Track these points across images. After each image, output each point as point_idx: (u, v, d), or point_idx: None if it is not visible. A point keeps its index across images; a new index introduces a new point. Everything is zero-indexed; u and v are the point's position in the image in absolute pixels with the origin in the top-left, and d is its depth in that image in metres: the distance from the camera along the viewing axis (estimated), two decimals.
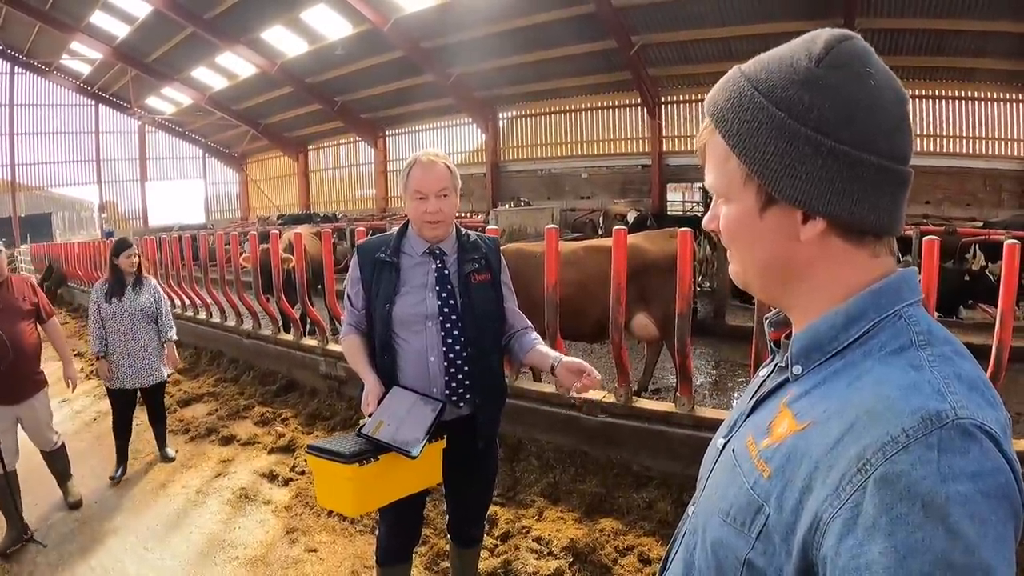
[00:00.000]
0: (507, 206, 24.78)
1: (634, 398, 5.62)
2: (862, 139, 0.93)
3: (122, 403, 6.24)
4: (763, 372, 1.18)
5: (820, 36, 0.97)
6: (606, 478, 5.22)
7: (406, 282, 3.04)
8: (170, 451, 6.52)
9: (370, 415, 2.80)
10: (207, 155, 47.42)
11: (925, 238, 4.62)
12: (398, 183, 24.41)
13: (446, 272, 3.06)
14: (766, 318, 1.22)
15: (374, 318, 3.07)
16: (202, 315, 10.72)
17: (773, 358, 1.17)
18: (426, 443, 2.74)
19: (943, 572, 0.74)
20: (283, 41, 28.60)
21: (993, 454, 0.80)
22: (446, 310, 3.02)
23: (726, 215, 1.07)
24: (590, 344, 8.19)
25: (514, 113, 29.91)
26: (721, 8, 19.42)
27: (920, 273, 4.15)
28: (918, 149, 20.18)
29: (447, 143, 32.96)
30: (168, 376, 6.51)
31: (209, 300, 10.46)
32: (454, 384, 3.03)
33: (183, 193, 47.57)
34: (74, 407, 8.55)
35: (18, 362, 4.98)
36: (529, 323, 3.30)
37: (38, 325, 5.39)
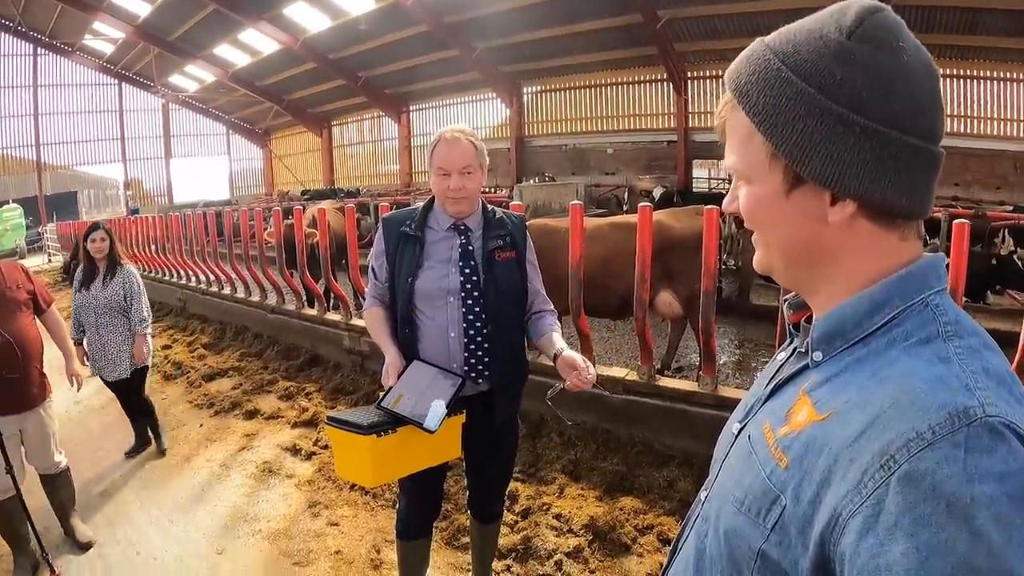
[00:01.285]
0: (532, 181, 24.74)
1: (657, 376, 5.59)
2: (895, 117, 0.90)
3: (113, 390, 6.16)
4: (781, 356, 1.15)
5: (850, 7, 0.93)
6: (627, 456, 5.23)
7: (429, 256, 3.03)
8: (164, 440, 6.31)
9: (390, 388, 2.81)
10: (231, 132, 47.78)
11: (955, 221, 4.46)
12: (422, 158, 24.97)
13: (470, 248, 3.04)
14: (785, 299, 1.19)
15: (396, 291, 3.07)
16: (227, 290, 10.82)
17: (791, 341, 1.16)
18: (445, 417, 2.75)
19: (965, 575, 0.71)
20: (306, 17, 28.52)
21: (1021, 455, 0.76)
22: (468, 286, 3.00)
23: (749, 196, 1.04)
24: (613, 321, 8.20)
25: (539, 88, 29.62)
26: None
27: (949, 257, 4.13)
28: (948, 130, 19.97)
29: (471, 118, 32.79)
30: (137, 368, 5.98)
31: (233, 275, 10.54)
32: (473, 360, 3.02)
33: (207, 170, 48.00)
34: (98, 382, 8.48)
35: (25, 365, 4.38)
36: (550, 305, 3.29)
37: (36, 317, 4.70)
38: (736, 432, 1.13)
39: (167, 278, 13.45)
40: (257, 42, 32.32)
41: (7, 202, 36.36)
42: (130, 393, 6.12)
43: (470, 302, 3.00)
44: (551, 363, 2.93)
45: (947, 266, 1.04)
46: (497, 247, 3.06)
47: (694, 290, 5.89)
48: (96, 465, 6.02)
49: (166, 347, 9.93)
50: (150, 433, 6.34)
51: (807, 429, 0.91)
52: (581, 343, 5.86)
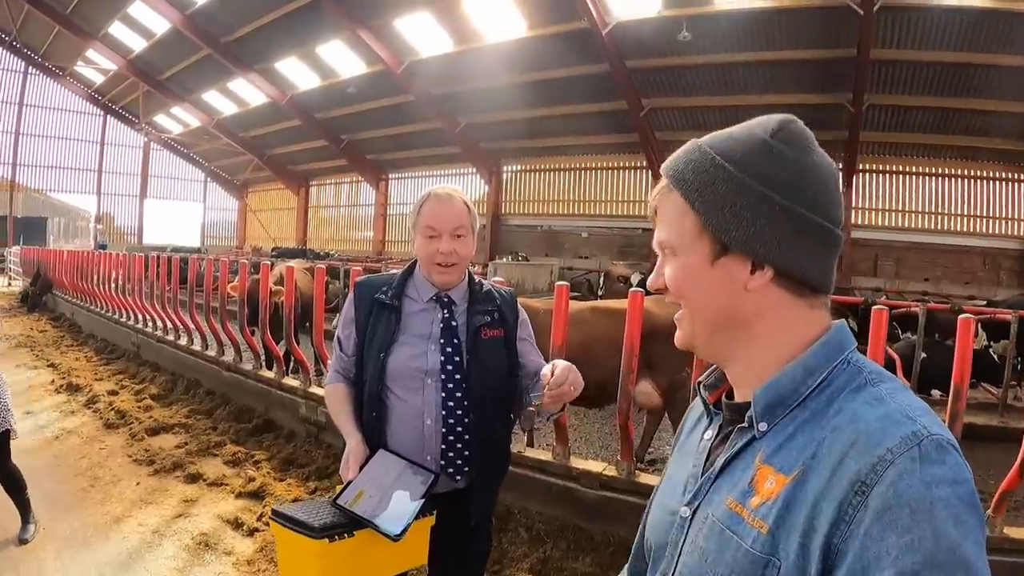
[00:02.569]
0: (506, 259, 24.61)
1: (637, 472, 5.30)
2: (808, 202, 1.05)
3: None
4: (707, 434, 1.20)
5: (772, 118, 1.10)
6: (602, 557, 4.83)
7: (406, 330, 2.66)
8: (29, 528, 5.11)
9: (349, 482, 2.39)
10: (209, 179, 47.42)
11: (961, 316, 4.46)
12: (396, 227, 24.69)
13: (454, 323, 2.68)
14: (699, 382, 1.27)
15: (365, 367, 2.69)
16: (183, 340, 10.28)
17: (710, 420, 1.22)
18: (412, 521, 2.33)
19: (930, 570, 0.80)
20: (296, 73, 28.69)
21: (963, 465, 0.88)
22: (449, 367, 2.63)
23: (677, 267, 1.13)
24: (588, 409, 7.89)
25: (519, 167, 29.87)
26: (731, 77, 19.62)
27: (955, 351, 4.38)
28: (920, 226, 21.12)
29: None
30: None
31: (192, 326, 10.00)
32: (451, 454, 2.62)
33: (181, 214, 47.41)
34: (38, 421, 8.14)
35: None
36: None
37: None
38: (688, 516, 1.14)
39: (124, 320, 12.90)
40: (245, 92, 32.35)
41: None
42: None
43: (451, 385, 2.62)
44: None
45: (854, 331, 1.30)
46: (484, 323, 2.70)
47: (675, 380, 5.83)
48: (17, 515, 5.34)
49: (112, 392, 9.31)
50: (31, 511, 5.25)
51: (782, 492, 0.96)
52: (557, 435, 5.53)
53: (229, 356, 9.04)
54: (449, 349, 2.62)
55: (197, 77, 32.50)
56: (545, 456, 5.56)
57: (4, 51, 39.75)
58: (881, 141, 20.23)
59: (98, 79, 39.91)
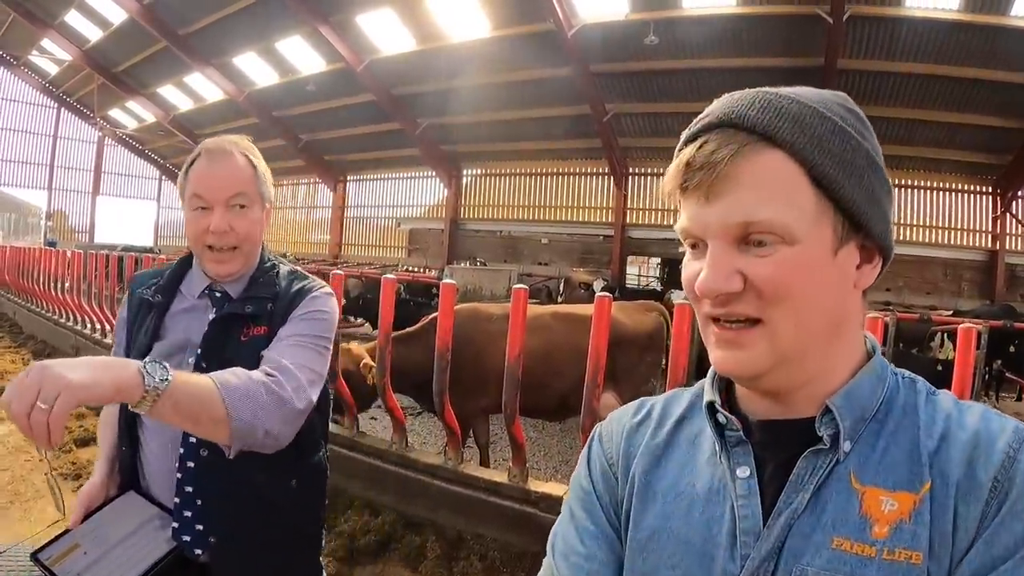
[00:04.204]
0: (464, 264, 24.27)
1: None
2: (890, 185, 0.95)
3: None
4: (740, 472, 0.94)
5: (839, 93, 0.95)
6: None
7: (166, 335, 1.93)
8: None
9: (67, 530, 1.76)
10: (164, 177, 46.14)
11: (962, 327, 4.02)
12: (354, 230, 24.20)
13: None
14: (712, 402, 1.00)
15: None
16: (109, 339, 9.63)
17: (727, 452, 0.97)
18: None
19: None
20: (254, 69, 28.03)
21: None
22: None
23: (789, 259, 0.86)
24: (549, 422, 7.41)
25: (479, 171, 29.57)
26: (698, 83, 19.43)
27: (956, 363, 3.95)
28: None
29: (408, 195, 32.65)
30: None
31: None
32: (188, 512, 1.85)
33: (134, 213, 46.17)
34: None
35: None
36: (279, 376, 1.81)
37: None
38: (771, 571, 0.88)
39: (64, 321, 12.18)
40: (202, 88, 31.54)
41: None
42: None
43: None
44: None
45: None
46: (242, 315, 1.92)
47: (640, 392, 5.17)
48: None
49: None
50: None
51: (917, 510, 0.84)
52: (514, 453, 5.02)
53: None
54: (204, 364, 1.86)
55: (153, 70, 31.61)
56: (500, 477, 5.08)
57: None
58: None
59: (52, 70, 38.70)
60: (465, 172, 29.87)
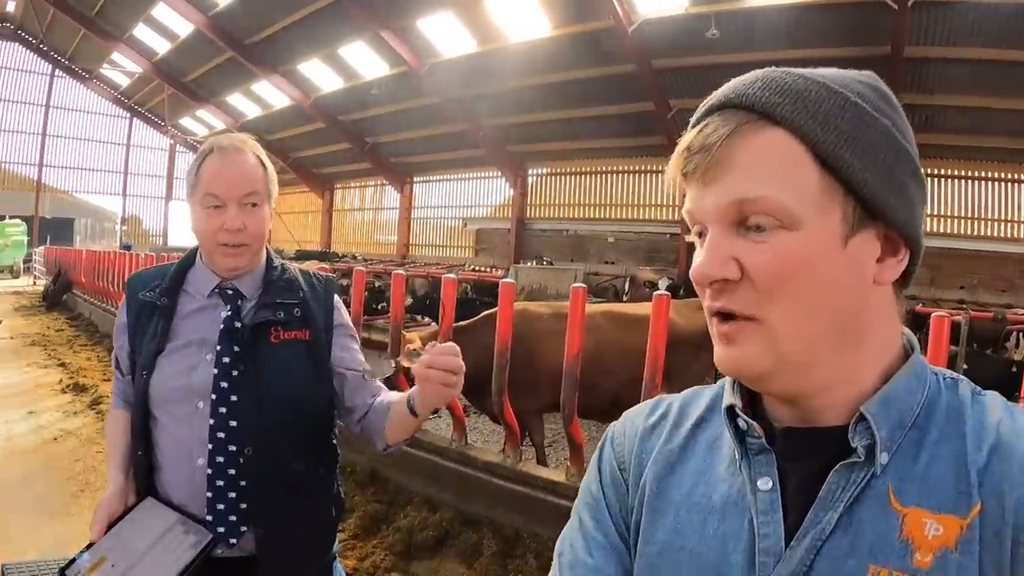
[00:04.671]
0: (530, 264, 24.47)
1: None
2: (922, 173, 0.86)
3: None
4: (762, 484, 0.85)
5: (862, 71, 0.88)
6: None
7: (178, 336, 1.98)
8: None
9: (90, 544, 1.78)
10: None
11: None
12: (421, 231, 24.54)
13: (238, 324, 1.99)
14: (732, 406, 0.91)
15: (134, 389, 2.01)
16: None
17: (747, 461, 0.88)
18: None
19: None
20: (319, 75, 28.71)
21: None
22: (224, 384, 1.93)
23: (787, 247, 0.79)
24: (600, 422, 7.63)
25: (544, 170, 29.67)
26: None
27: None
28: (954, 232, 20.41)
29: (475, 195, 33.00)
30: None
31: None
32: (221, 506, 1.91)
33: None
34: (39, 420, 8.17)
35: None
36: (383, 389, 2.17)
37: None
38: None
39: None
40: (269, 95, 32.54)
41: (4, 217, 36.83)
42: None
43: (223, 410, 1.92)
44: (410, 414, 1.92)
45: None
46: (276, 322, 2.00)
47: None
48: (1, 518, 5.40)
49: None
50: None
51: (965, 535, 0.74)
52: (572, 453, 5.20)
53: None
54: (227, 360, 1.95)
55: (221, 79, 32.80)
56: (558, 476, 5.17)
57: (31, 54, 40.84)
58: (918, 143, 19.25)
59: (124, 82, 40.63)
60: (530, 172, 29.96)
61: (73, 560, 1.74)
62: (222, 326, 1.97)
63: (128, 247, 32.68)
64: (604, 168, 27.56)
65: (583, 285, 5.14)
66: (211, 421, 1.90)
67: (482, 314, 6.56)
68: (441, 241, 34.90)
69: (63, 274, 20.78)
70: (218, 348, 1.94)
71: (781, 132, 0.80)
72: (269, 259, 2.12)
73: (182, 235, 45.20)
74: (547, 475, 5.23)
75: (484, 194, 32.66)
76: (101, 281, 15.72)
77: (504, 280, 5.58)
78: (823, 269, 0.79)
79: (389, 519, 5.44)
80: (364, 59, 26.10)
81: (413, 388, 1.89)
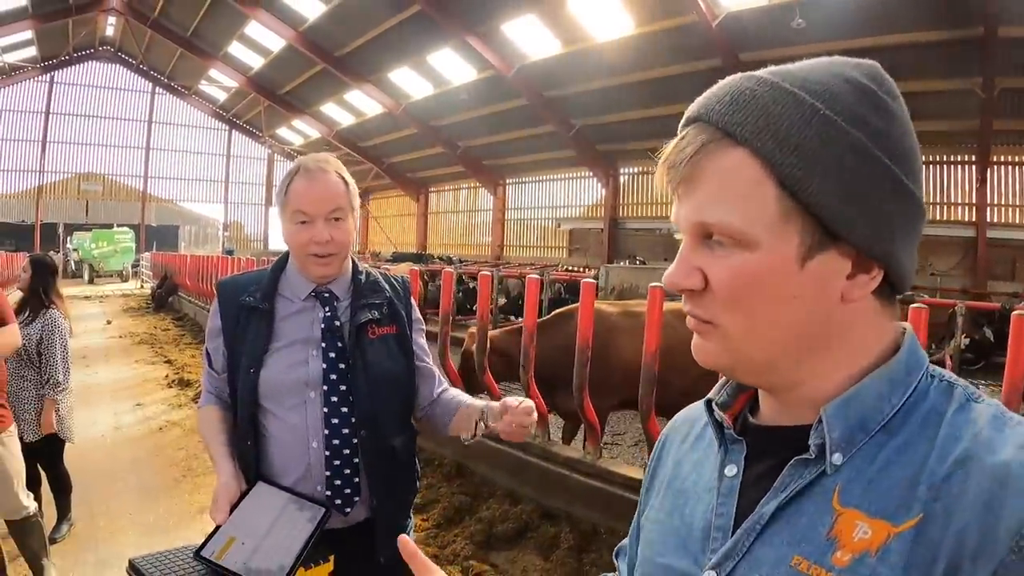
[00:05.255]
0: (623, 263, 24.60)
1: None
2: (915, 174, 0.82)
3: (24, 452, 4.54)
4: (728, 470, 0.92)
5: (863, 62, 0.86)
6: None
7: (281, 336, 2.27)
8: (62, 528, 5.37)
9: (217, 527, 1.95)
10: None
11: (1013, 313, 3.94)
12: (515, 232, 24.84)
13: (337, 323, 2.29)
14: (710, 400, 0.99)
15: (237, 385, 2.29)
16: None
17: (724, 451, 0.95)
18: (296, 570, 1.87)
19: None
20: (409, 82, 29.55)
21: None
22: (333, 376, 2.24)
23: (744, 266, 0.82)
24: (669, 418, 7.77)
25: (635, 169, 29.58)
26: None
27: None
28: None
29: (567, 196, 33.24)
30: (44, 436, 5.02)
31: None
32: (338, 481, 2.21)
33: None
34: (146, 412, 8.93)
35: None
36: (446, 384, 2.57)
37: None
38: (728, 571, 0.87)
39: None
40: (361, 103, 33.79)
41: (113, 225, 39.83)
42: (35, 461, 5.03)
43: (335, 398, 2.23)
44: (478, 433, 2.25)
45: None
46: (371, 320, 2.31)
47: None
48: (108, 500, 6.03)
49: None
50: (70, 513, 5.53)
51: (891, 544, 0.74)
52: (649, 446, 5.26)
53: None
54: (332, 354, 2.26)
55: (314, 90, 34.30)
56: (637, 474, 5.21)
57: (132, 73, 43.87)
58: (1018, 129, 18.45)
59: (221, 96, 42.99)
60: (621, 171, 29.99)
61: (204, 543, 1.88)
62: (323, 325, 2.27)
63: (230, 252, 34.32)
64: None
65: (660, 284, 4.86)
66: (324, 409, 2.21)
67: (553, 312, 6.78)
68: (535, 242, 35.25)
69: (169, 278, 22.14)
70: (323, 345, 2.25)
71: (742, 153, 0.81)
72: (355, 265, 2.41)
73: (282, 239, 47.28)
74: (626, 472, 5.31)
75: (576, 194, 32.87)
76: (205, 284, 16.80)
77: (585, 279, 5.71)
78: (777, 288, 0.81)
79: (472, 510, 5.67)
80: (452, 65, 26.75)
81: (490, 404, 2.26)
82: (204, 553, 1.84)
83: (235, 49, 33.99)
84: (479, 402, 2.37)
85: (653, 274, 19.47)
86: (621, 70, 22.14)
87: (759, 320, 0.83)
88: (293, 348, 2.25)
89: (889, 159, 0.79)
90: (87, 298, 26.42)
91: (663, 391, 5.69)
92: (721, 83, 0.89)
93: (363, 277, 2.39)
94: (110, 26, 39.20)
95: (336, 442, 2.21)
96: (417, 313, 2.52)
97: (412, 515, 2.54)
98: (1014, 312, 3.97)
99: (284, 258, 2.41)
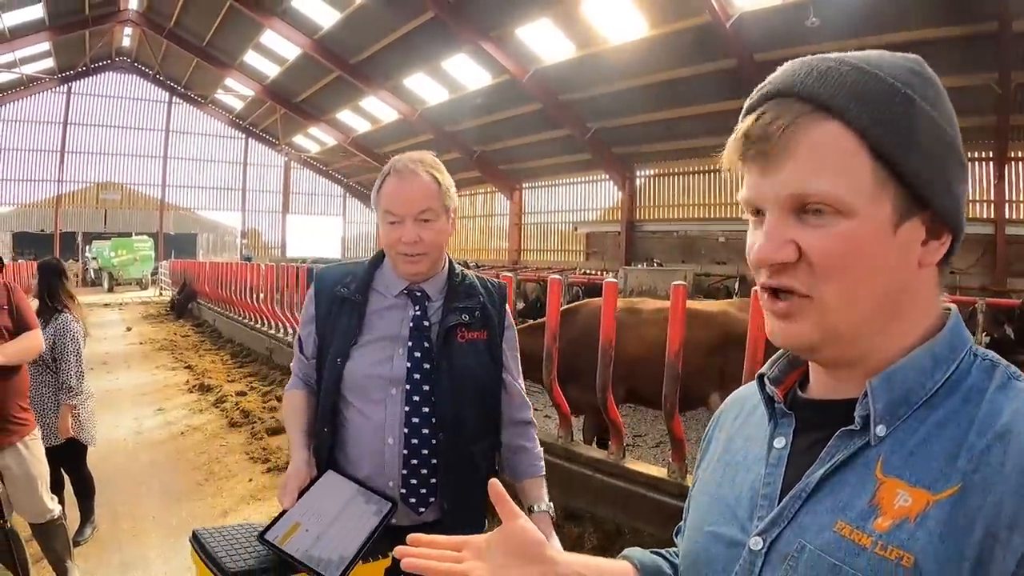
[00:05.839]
0: (641, 266, 24.59)
1: None
2: (963, 155, 0.90)
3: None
4: (776, 442, 0.97)
5: (908, 55, 0.91)
6: None
7: (370, 330, 2.30)
8: (86, 531, 5.33)
9: (284, 511, 1.98)
10: (347, 194, 50.28)
11: None
12: (532, 236, 24.94)
13: (426, 323, 2.30)
14: (763, 375, 1.04)
15: (323, 373, 2.34)
16: None
17: (774, 424, 1.00)
18: (356, 563, 1.86)
19: None
20: (424, 88, 29.65)
21: None
22: (417, 375, 2.25)
23: (846, 233, 0.85)
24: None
25: (652, 171, 29.56)
26: None
27: None
28: None
29: (583, 199, 33.27)
30: (65, 440, 5.00)
31: None
32: (414, 480, 2.23)
33: (322, 228, 50.46)
34: (167, 417, 9.00)
35: None
36: (529, 411, 2.53)
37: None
38: (763, 548, 0.91)
39: (258, 326, 13.98)
40: (377, 110, 34.01)
41: (132, 234, 40.13)
42: (58, 465, 5.04)
43: (417, 398, 2.24)
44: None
45: None
46: (460, 323, 2.32)
47: None
48: (131, 503, 6.07)
49: (240, 393, 10.17)
50: (93, 516, 5.49)
51: (930, 512, 0.77)
52: (673, 448, 5.27)
53: None
54: (418, 354, 2.27)
55: (330, 98, 34.55)
56: (660, 473, 5.24)
57: (149, 84, 44.06)
58: None
59: (238, 105, 43.17)
60: (638, 173, 29.94)
61: (269, 526, 1.90)
62: (411, 324, 2.29)
63: (248, 259, 34.50)
64: (711, 167, 26.88)
65: (683, 283, 5.22)
66: (406, 408, 2.23)
67: (563, 307, 6.73)
68: (552, 245, 35.41)
69: (188, 285, 22.33)
70: (409, 344, 2.27)
71: (836, 124, 0.84)
72: (451, 266, 2.43)
73: (299, 246, 47.60)
74: (649, 471, 5.29)
75: (593, 197, 32.91)
76: (224, 291, 16.92)
77: (607, 279, 5.76)
78: (875, 253, 0.84)
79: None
80: (467, 70, 26.84)
81: (542, 506, 2.35)
82: (268, 536, 1.86)
83: (251, 58, 34.21)
84: (543, 493, 2.40)
85: (671, 275, 19.53)
86: (636, 72, 22.11)
87: (859, 288, 0.86)
88: (381, 344, 2.28)
89: (956, 137, 0.87)
90: (107, 306, 26.57)
91: (650, 385, 5.84)
92: (793, 63, 0.91)
93: (459, 279, 2.41)
94: (126, 37, 39.40)
95: (415, 441, 2.23)
96: (510, 320, 2.53)
97: (488, 519, 2.41)
98: None
99: (382, 253, 2.42)
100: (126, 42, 40.62)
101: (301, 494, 2.02)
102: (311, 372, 2.41)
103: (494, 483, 1.09)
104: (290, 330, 12.01)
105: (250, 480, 6.75)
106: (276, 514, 1.95)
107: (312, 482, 2.08)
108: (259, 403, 9.61)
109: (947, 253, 0.90)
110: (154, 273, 37.23)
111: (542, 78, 24.78)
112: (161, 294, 31.73)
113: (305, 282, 11.32)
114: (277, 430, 8.23)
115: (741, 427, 1.10)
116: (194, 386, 10.76)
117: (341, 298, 2.33)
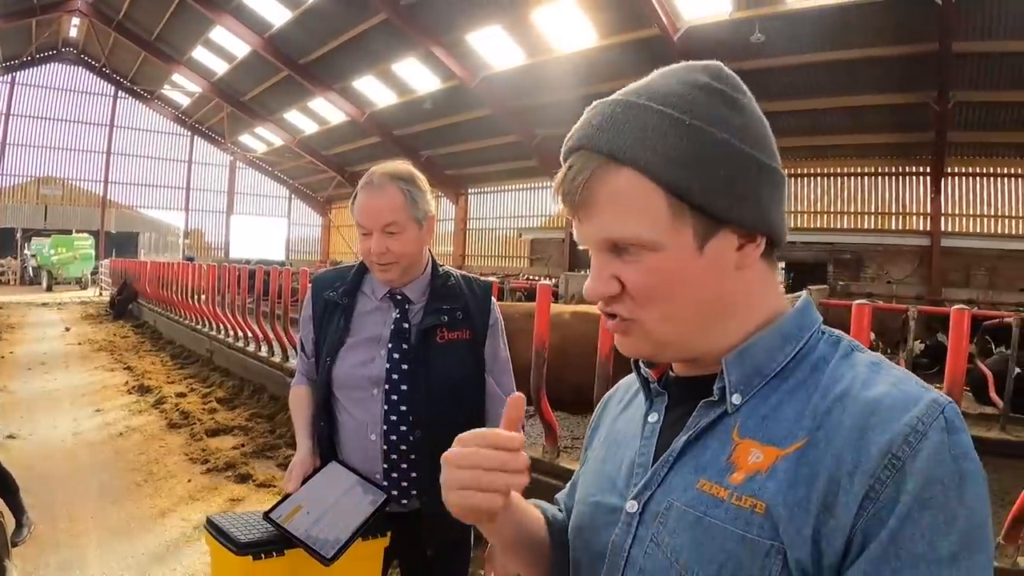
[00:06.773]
0: (583, 272, 24.65)
1: None
2: (773, 152, 0.95)
3: None
4: (651, 418, 1.05)
5: (708, 64, 0.97)
6: None
7: (356, 332, 2.43)
8: (23, 531, 5.03)
9: (287, 495, 2.18)
10: (293, 196, 49.50)
11: (953, 309, 4.29)
12: (476, 241, 24.74)
13: (406, 325, 2.40)
14: (639, 361, 1.09)
15: (318, 372, 2.49)
16: (251, 347, 10.82)
17: (650, 403, 1.07)
18: (350, 546, 2.10)
19: (967, 550, 0.77)
20: (373, 91, 29.58)
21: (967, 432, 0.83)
22: (395, 375, 2.36)
23: (655, 266, 0.92)
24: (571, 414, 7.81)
25: None
26: (809, 79, 19.01)
27: None
28: (1016, 232, 19.67)
29: (528, 206, 33.45)
30: None
31: (260, 333, 10.52)
32: (395, 474, 2.36)
33: (266, 230, 49.71)
34: (106, 418, 8.77)
35: None
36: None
37: None
38: (637, 510, 0.98)
39: (200, 327, 13.68)
40: (325, 111, 33.60)
41: (72, 231, 39.10)
42: None
43: (395, 397, 2.35)
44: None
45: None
46: (440, 324, 2.39)
47: None
48: (69, 502, 5.89)
49: (180, 395, 9.97)
50: (26, 514, 5.15)
51: (779, 464, 0.86)
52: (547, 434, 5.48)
53: (294, 362, 9.21)
54: (397, 355, 2.38)
55: (278, 97, 34.02)
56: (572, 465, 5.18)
57: (94, 77, 42.94)
58: (971, 141, 19.09)
59: (184, 101, 42.47)
60: None
61: (275, 507, 2.10)
62: (392, 327, 2.40)
63: (191, 259, 33.94)
64: None
65: (549, 283, 5.45)
66: (385, 406, 2.35)
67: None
68: (497, 251, 35.51)
69: (128, 285, 21.79)
70: (389, 345, 2.38)
71: (628, 171, 0.90)
72: (435, 268, 2.50)
73: (243, 247, 46.98)
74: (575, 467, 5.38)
75: (538, 204, 33.09)
76: (165, 291, 16.58)
77: (541, 282, 5.83)
78: (684, 276, 0.92)
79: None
80: (417, 74, 26.83)
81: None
82: (272, 515, 2.06)
83: (199, 54, 33.63)
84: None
85: None
86: (584, 81, 22.14)
87: (675, 307, 0.94)
88: (365, 345, 2.41)
89: (751, 147, 0.92)
90: (45, 305, 25.90)
91: (558, 386, 5.99)
92: (589, 111, 0.99)
93: (442, 282, 2.49)
94: (74, 27, 38.48)
95: (394, 438, 2.35)
96: (496, 315, 2.59)
97: None
98: (954, 308, 4.33)
99: None
100: (73, 33, 39.60)
101: (305, 481, 2.22)
102: (312, 369, 2.55)
103: (516, 397, 1.09)
104: (231, 332, 11.83)
105: (189, 480, 6.62)
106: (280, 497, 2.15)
107: (316, 471, 2.28)
108: (199, 405, 9.42)
109: (772, 246, 0.97)
110: (94, 272, 36.26)
111: (491, 84, 24.89)
112: (101, 294, 30.96)
113: (247, 284, 11.24)
114: (217, 431, 8.19)
115: (624, 409, 1.18)
116: (133, 387, 10.54)
117: (331, 302, 2.47)
